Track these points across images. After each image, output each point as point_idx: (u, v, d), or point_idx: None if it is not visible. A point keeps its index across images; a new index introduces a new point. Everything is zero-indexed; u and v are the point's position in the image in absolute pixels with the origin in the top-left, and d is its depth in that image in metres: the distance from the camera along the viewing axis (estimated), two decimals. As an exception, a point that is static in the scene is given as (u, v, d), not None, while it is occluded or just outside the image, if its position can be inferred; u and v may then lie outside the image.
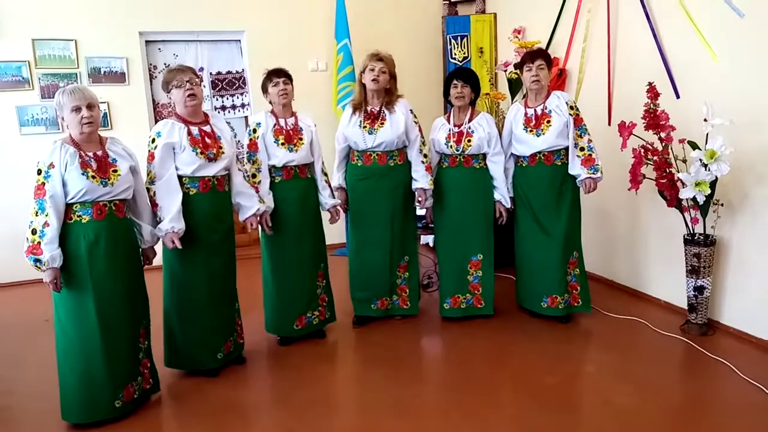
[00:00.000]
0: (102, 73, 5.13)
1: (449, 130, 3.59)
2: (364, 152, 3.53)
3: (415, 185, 3.60)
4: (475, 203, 3.60)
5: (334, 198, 3.53)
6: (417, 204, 3.65)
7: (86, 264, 2.52)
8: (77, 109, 2.50)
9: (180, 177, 2.90)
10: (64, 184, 2.47)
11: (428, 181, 3.57)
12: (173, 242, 2.81)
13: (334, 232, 3.69)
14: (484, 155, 3.59)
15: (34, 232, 2.43)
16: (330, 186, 3.55)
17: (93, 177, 2.51)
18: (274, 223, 3.31)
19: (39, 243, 2.42)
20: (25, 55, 4.92)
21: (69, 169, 2.48)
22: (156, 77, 5.42)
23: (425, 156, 3.60)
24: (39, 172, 2.48)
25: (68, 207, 2.51)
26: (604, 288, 4.27)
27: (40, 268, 2.43)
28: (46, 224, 2.43)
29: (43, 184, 2.46)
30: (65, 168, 2.48)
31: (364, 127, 3.48)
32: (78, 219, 2.52)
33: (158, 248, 2.92)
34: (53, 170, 2.46)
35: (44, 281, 2.47)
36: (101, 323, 2.56)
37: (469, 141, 3.53)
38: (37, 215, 2.45)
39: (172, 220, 2.81)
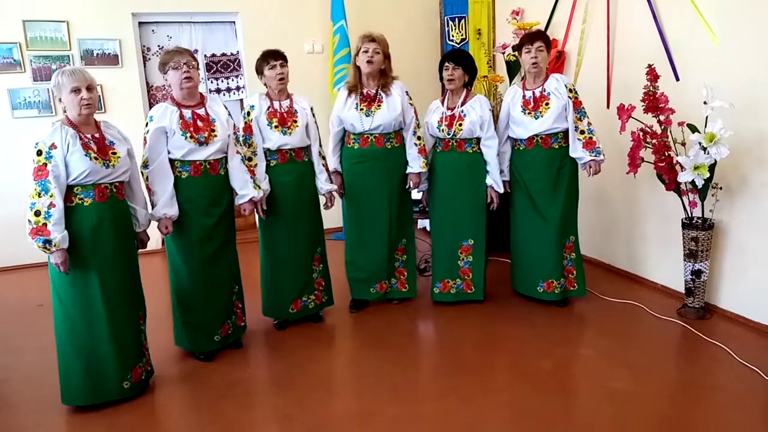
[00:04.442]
0: (95, 55, 5.06)
1: (442, 114, 3.55)
2: (361, 135, 3.50)
3: (408, 169, 3.59)
4: (467, 188, 3.57)
5: (331, 183, 3.51)
6: (409, 188, 3.64)
7: (90, 246, 2.51)
8: (77, 90, 2.47)
9: (172, 161, 2.90)
10: (65, 166, 2.44)
11: (420, 164, 3.55)
12: (166, 228, 2.86)
13: (335, 216, 3.67)
14: (478, 139, 3.55)
15: (37, 213, 2.38)
16: (327, 170, 3.51)
17: (96, 158, 2.49)
18: (269, 206, 3.29)
19: (45, 224, 2.38)
20: (16, 37, 4.84)
21: (72, 150, 2.45)
22: (150, 59, 5.36)
23: (419, 138, 3.58)
24: (39, 152, 2.42)
25: (68, 190, 2.48)
26: (602, 272, 4.26)
27: (49, 249, 2.39)
28: (51, 205, 2.39)
29: (45, 164, 2.41)
30: (67, 149, 2.45)
31: (361, 109, 3.44)
32: (80, 202, 2.50)
33: (151, 232, 2.93)
34: (55, 151, 2.43)
35: (53, 262, 2.44)
36: (107, 304, 2.56)
37: (460, 125, 3.48)
38: (40, 196, 2.39)
39: (164, 206, 2.84)
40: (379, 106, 3.44)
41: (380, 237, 3.60)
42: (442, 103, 3.60)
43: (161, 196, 2.84)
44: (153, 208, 2.86)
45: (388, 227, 3.59)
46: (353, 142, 3.54)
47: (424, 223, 5.44)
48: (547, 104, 3.40)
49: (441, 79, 3.56)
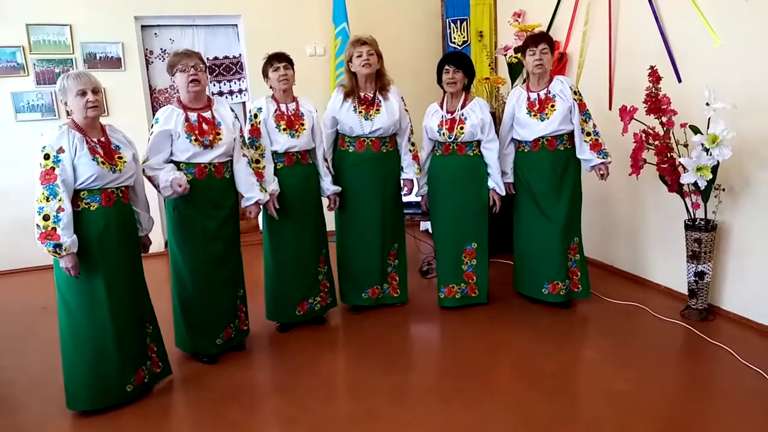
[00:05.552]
0: (98, 58, 5.07)
1: (442, 117, 3.53)
2: (358, 138, 3.49)
3: (402, 175, 3.61)
4: (468, 192, 3.56)
5: (335, 185, 3.51)
6: (403, 193, 3.67)
7: (97, 250, 2.51)
8: (83, 93, 2.47)
9: (177, 163, 2.91)
10: (73, 170, 2.44)
11: (415, 170, 3.59)
12: (180, 185, 2.79)
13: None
14: (478, 142, 3.54)
15: (46, 218, 2.38)
16: (331, 172, 3.52)
17: (103, 163, 2.49)
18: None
19: (54, 228, 2.37)
20: (20, 41, 4.86)
21: (79, 155, 2.45)
22: (152, 62, 5.37)
23: (413, 145, 3.61)
24: (47, 156, 2.41)
25: (75, 194, 2.47)
26: (605, 273, 4.26)
27: (59, 253, 2.38)
28: (60, 209, 2.39)
29: (53, 168, 2.41)
30: (75, 153, 2.45)
31: (360, 112, 3.45)
32: (86, 207, 2.50)
33: (153, 236, 2.94)
34: (63, 155, 2.42)
35: (63, 266, 2.43)
36: (111, 308, 2.56)
37: (461, 128, 3.47)
38: (48, 201, 2.39)
39: (167, 172, 2.82)
40: (378, 110, 3.45)
41: (373, 242, 3.59)
42: (441, 106, 3.59)
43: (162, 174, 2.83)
44: (158, 188, 2.85)
45: (382, 232, 3.59)
46: (348, 146, 3.53)
47: (426, 224, 5.44)
48: (552, 106, 3.39)
49: (439, 81, 3.55)
